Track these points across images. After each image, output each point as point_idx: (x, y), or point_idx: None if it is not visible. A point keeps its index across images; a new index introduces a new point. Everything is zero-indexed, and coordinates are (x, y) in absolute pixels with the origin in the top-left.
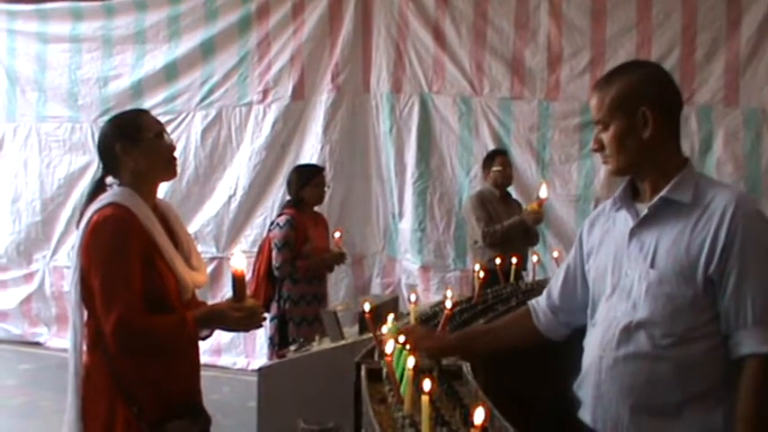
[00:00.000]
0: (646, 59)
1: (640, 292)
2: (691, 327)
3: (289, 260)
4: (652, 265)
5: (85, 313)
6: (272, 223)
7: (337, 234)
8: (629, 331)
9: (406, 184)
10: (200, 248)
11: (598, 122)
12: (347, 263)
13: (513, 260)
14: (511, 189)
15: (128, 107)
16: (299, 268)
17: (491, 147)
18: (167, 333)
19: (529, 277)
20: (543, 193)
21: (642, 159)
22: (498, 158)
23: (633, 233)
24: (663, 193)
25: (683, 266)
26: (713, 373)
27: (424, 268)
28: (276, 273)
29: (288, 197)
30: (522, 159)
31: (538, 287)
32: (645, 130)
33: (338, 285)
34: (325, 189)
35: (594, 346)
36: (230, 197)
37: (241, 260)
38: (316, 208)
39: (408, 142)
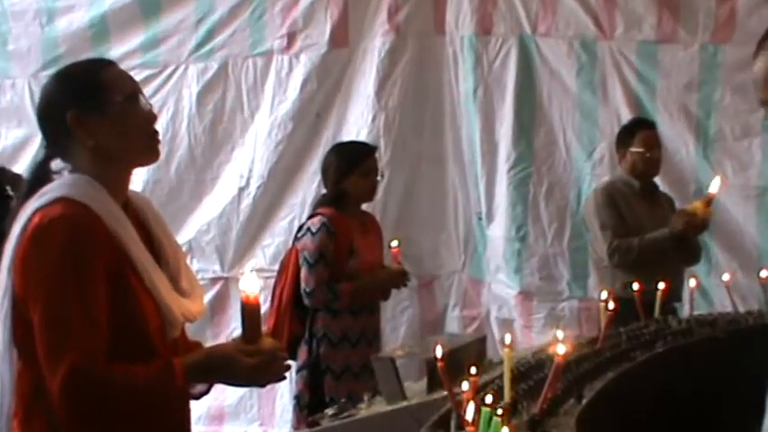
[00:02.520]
0: None
1: None
2: None
3: (325, 282)
4: None
5: (18, 361)
6: (300, 228)
7: (395, 243)
8: None
9: (498, 172)
10: (194, 265)
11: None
12: (410, 286)
13: (661, 286)
14: (657, 179)
15: (85, 56)
16: (341, 294)
17: (627, 115)
18: (144, 390)
19: (684, 311)
20: (714, 186)
21: None
22: (640, 133)
23: None
24: None
25: None
26: None
27: (525, 295)
28: (306, 301)
29: (324, 190)
30: (674, 133)
31: (698, 326)
32: None
33: (397, 320)
34: (378, 179)
35: None
36: (241, 190)
37: (255, 282)
38: (364, 206)
39: (501, 109)
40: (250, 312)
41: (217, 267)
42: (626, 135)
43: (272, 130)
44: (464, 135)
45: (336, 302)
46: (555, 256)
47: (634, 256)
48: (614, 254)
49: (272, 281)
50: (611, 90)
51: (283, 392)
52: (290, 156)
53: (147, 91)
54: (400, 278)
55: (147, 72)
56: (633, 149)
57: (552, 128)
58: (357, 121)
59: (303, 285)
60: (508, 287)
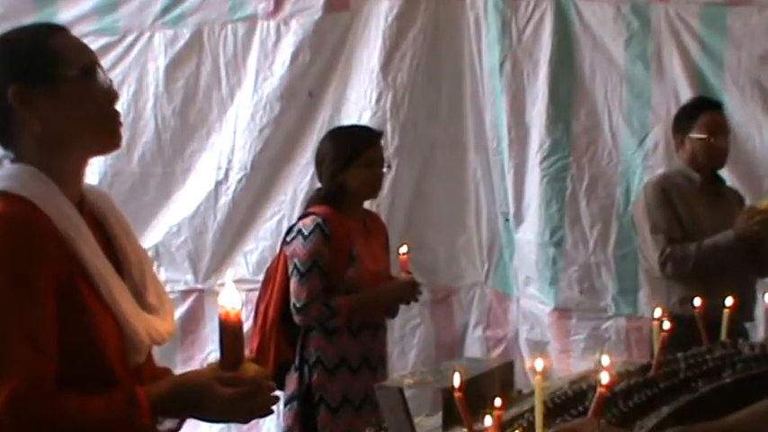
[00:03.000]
0: None
1: None
2: None
3: (319, 295)
4: None
5: None
6: (289, 230)
7: (404, 249)
8: None
9: (529, 163)
10: (162, 275)
11: None
12: (422, 301)
13: (728, 302)
14: (723, 172)
15: (28, 20)
16: (338, 310)
17: (687, 94)
18: (102, 426)
19: (758, 333)
20: None
21: None
22: (702, 116)
23: None
24: None
25: None
26: None
27: (561, 313)
28: (297, 318)
29: (318, 185)
30: (744, 116)
31: None
32: None
33: (406, 341)
34: (384, 171)
35: None
36: (218, 185)
37: (235, 296)
38: (367, 204)
39: (533, 87)
40: (230, 332)
41: (189, 278)
42: (686, 118)
43: (255, 111)
44: (488, 118)
45: (333, 320)
46: (598, 264)
47: (691, 265)
48: (667, 263)
49: (256, 294)
50: (667, 63)
51: (270, 428)
52: (278, 143)
53: (104, 63)
54: (410, 291)
55: (102, 41)
56: (694, 135)
57: (595, 109)
58: (359, 102)
59: (293, 299)
60: (541, 303)
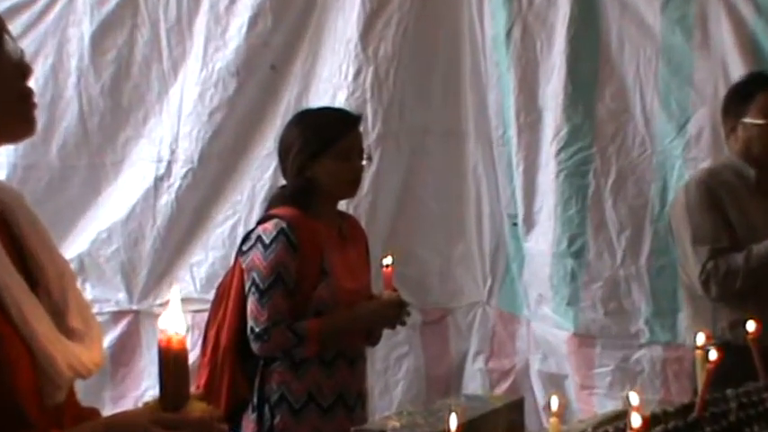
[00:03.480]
0: None
1: None
2: None
3: (283, 318)
4: None
5: None
6: (246, 238)
7: (388, 261)
8: None
9: (542, 154)
10: (89, 293)
11: None
12: (410, 324)
13: None
14: None
15: None
16: (307, 336)
17: (738, 69)
18: None
19: None
20: None
21: None
22: (760, 96)
23: None
24: None
25: None
26: None
27: (583, 339)
28: (255, 346)
29: (282, 181)
30: None
31: None
32: None
33: (391, 374)
34: (364, 163)
35: None
36: (158, 181)
37: (180, 319)
38: (343, 205)
39: (547, 60)
40: (172, 363)
41: (122, 296)
42: (738, 99)
43: (204, 90)
44: (491, 99)
45: (301, 348)
46: (627, 279)
47: (740, 281)
48: (709, 281)
49: (205, 317)
50: (714, 31)
51: None
52: (233, 129)
53: (13, 30)
54: (395, 312)
55: (11, 1)
56: (748, 120)
57: (624, 88)
58: (332, 78)
59: (251, 323)
60: (557, 327)
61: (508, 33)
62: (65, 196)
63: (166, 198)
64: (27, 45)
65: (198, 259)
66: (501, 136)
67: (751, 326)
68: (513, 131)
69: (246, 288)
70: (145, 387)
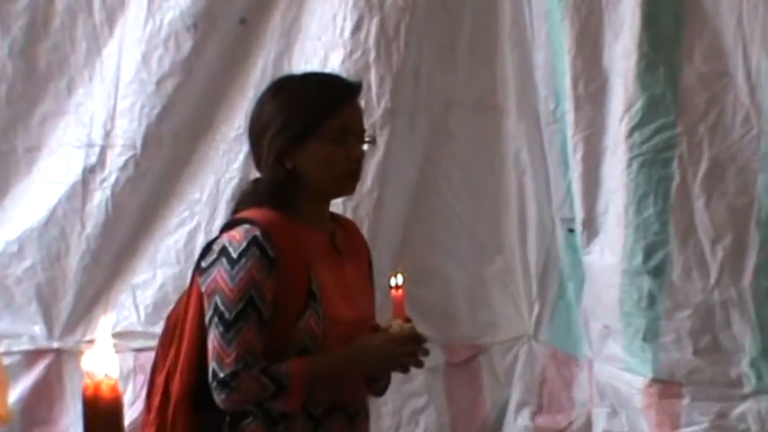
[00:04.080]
0: None
1: None
2: None
3: (256, 357)
4: None
5: None
6: (207, 250)
7: (397, 281)
8: None
9: (608, 136)
10: None
11: None
12: (430, 367)
13: None
14: None
15: None
16: (288, 381)
17: None
18: None
19: None
20: None
21: None
22: None
23: None
24: None
25: None
26: None
27: (666, 387)
28: (219, 396)
29: (255, 173)
30: None
31: None
32: None
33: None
34: (365, 148)
35: None
36: (88, 172)
37: (112, 359)
38: (337, 205)
39: (617, 7)
40: (101, 419)
41: (38, 330)
42: None
43: (150, 51)
44: (539, 62)
45: (280, 400)
46: (726, 305)
47: None
48: None
49: (151, 357)
50: None
51: None
52: (189, 104)
53: None
54: (409, 350)
55: None
56: None
57: (720, 46)
58: (323, 35)
59: (213, 366)
60: (629, 370)
61: None
62: None
63: (99, 196)
64: None
65: (142, 279)
66: (552, 111)
67: None
68: (568, 105)
69: (207, 318)
70: None
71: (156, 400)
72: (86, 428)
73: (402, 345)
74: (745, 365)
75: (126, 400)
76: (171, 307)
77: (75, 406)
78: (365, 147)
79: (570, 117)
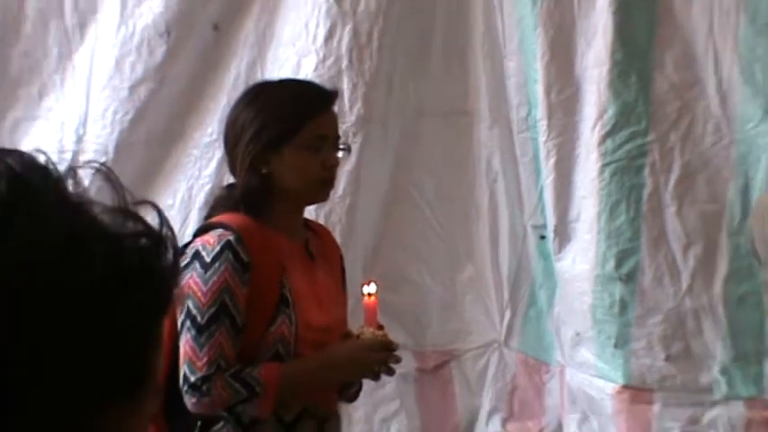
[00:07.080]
0: None
1: None
2: None
3: (227, 362)
4: None
5: None
6: (179, 255)
7: (370, 289)
8: None
9: (581, 142)
10: None
11: None
12: (402, 374)
13: None
14: None
15: None
16: (260, 387)
17: None
18: None
19: None
20: None
21: None
22: None
23: None
24: None
25: None
26: None
27: (637, 393)
28: (190, 401)
29: (230, 178)
30: None
31: None
32: None
33: None
34: (339, 155)
35: None
36: None
37: None
38: (311, 211)
39: (589, 15)
40: None
41: None
42: None
43: (123, 56)
44: (511, 69)
45: (251, 405)
46: (697, 313)
47: None
48: None
49: None
50: None
51: None
52: (161, 110)
53: None
54: (380, 357)
55: None
56: None
57: (692, 53)
58: (296, 41)
59: (184, 370)
60: (601, 376)
61: None
62: None
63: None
64: None
65: None
66: (524, 119)
67: None
68: (540, 112)
69: (179, 323)
70: None
71: None
72: None
73: (373, 352)
74: (716, 372)
75: None
76: None
77: None
78: (339, 154)
79: (543, 124)
